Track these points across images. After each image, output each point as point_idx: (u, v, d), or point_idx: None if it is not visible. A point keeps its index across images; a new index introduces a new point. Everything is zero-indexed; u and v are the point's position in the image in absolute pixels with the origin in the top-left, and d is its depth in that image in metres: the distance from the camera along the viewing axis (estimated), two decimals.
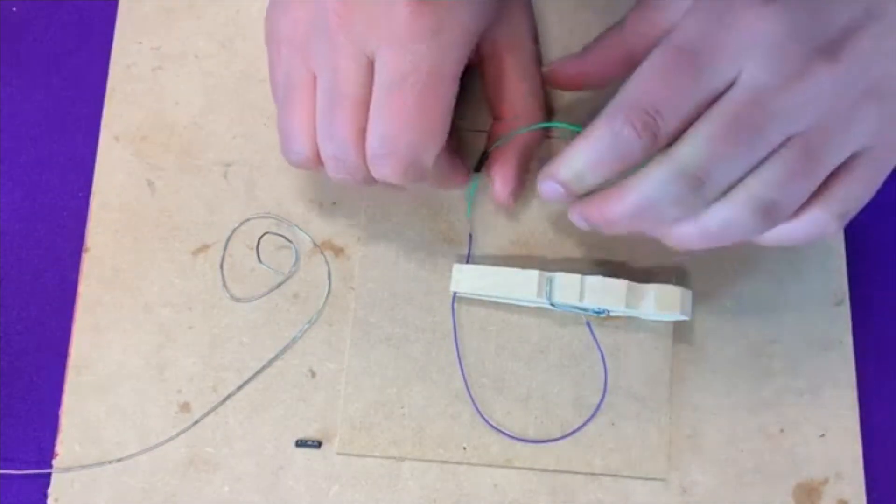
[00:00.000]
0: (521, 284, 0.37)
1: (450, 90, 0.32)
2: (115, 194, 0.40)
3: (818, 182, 0.31)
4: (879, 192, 0.43)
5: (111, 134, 0.41)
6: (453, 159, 0.37)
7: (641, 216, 0.31)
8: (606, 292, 0.36)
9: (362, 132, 0.32)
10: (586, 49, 0.36)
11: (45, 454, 0.37)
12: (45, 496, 0.37)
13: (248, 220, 0.40)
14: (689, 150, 0.30)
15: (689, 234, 0.32)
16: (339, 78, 0.32)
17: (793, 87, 0.29)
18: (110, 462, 0.37)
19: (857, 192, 0.31)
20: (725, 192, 0.31)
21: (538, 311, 0.39)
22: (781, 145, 0.30)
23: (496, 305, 0.39)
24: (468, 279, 0.38)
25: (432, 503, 0.37)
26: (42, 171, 0.41)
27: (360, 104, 0.32)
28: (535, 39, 0.38)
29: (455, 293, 0.38)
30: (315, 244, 0.40)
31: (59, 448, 0.37)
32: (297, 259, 0.40)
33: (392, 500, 0.37)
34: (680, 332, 0.39)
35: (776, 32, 0.29)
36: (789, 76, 0.29)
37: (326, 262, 0.40)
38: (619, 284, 0.36)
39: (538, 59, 0.38)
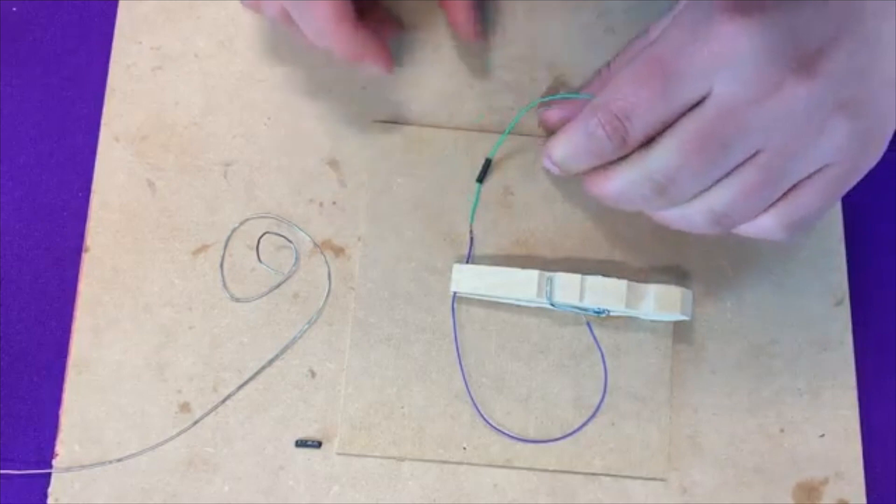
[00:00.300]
0: (521, 284, 0.37)
1: None
2: (115, 194, 0.40)
3: (775, 197, 0.32)
4: (879, 193, 0.43)
5: (111, 134, 0.41)
6: (373, 27, 0.37)
7: (617, 202, 0.34)
8: (606, 292, 0.36)
9: None
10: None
11: (45, 454, 0.37)
12: (46, 496, 0.37)
13: (248, 220, 0.40)
14: (658, 157, 0.31)
15: (660, 215, 0.34)
16: None
17: (765, 103, 0.29)
18: (110, 462, 0.37)
19: (813, 205, 0.32)
20: (691, 199, 0.32)
21: (538, 311, 0.39)
22: (747, 159, 0.30)
23: (496, 305, 0.39)
24: (468, 279, 0.38)
25: (432, 503, 0.37)
26: (42, 171, 0.41)
27: None
28: None
29: (455, 293, 0.38)
30: (315, 244, 0.40)
31: (59, 448, 0.37)
32: (297, 259, 0.40)
33: (392, 500, 0.37)
34: (680, 332, 0.39)
35: (751, 48, 0.29)
36: (762, 92, 0.29)
37: (326, 262, 0.40)
38: (619, 284, 0.36)
39: None
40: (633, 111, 0.31)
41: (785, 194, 0.32)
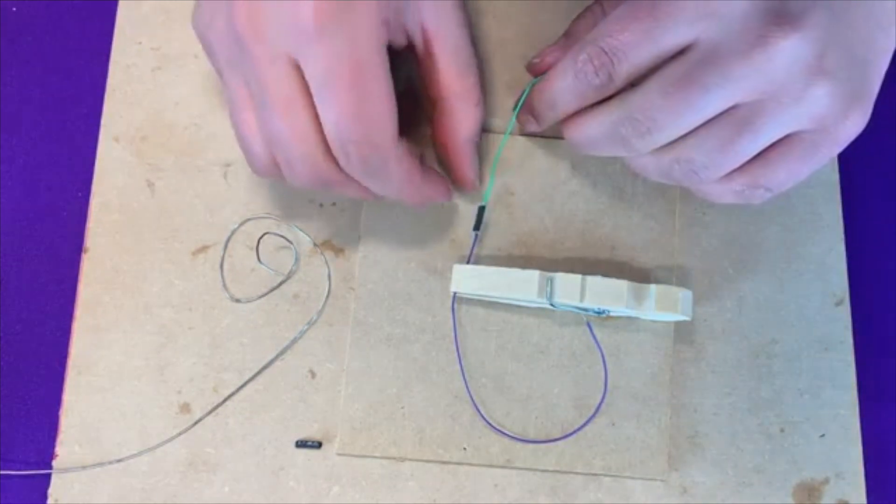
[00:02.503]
0: (521, 284, 0.37)
1: (379, 73, 0.32)
2: (115, 194, 0.40)
3: (751, 153, 0.32)
4: (880, 193, 0.43)
5: (111, 134, 0.41)
6: (427, 169, 0.37)
7: (597, 144, 0.34)
8: (607, 292, 0.36)
9: (304, 130, 0.32)
10: (564, 36, 0.38)
11: (45, 454, 0.37)
12: (45, 496, 0.37)
13: (248, 220, 0.40)
14: (641, 97, 0.31)
15: (639, 164, 0.34)
16: (264, 85, 0.32)
17: (748, 54, 0.30)
18: (110, 462, 0.37)
19: (787, 172, 0.32)
20: (668, 144, 0.32)
21: (538, 311, 0.39)
22: (726, 111, 0.31)
23: (496, 305, 0.39)
24: (468, 279, 0.38)
25: (432, 503, 0.37)
26: (42, 171, 0.41)
27: (293, 103, 0.32)
28: (465, 21, 0.36)
29: (455, 293, 0.38)
30: (315, 245, 0.40)
31: (59, 448, 0.37)
32: (297, 259, 0.40)
33: (392, 501, 0.37)
34: (680, 332, 0.39)
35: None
36: (746, 43, 0.30)
37: (326, 262, 0.40)
38: (620, 284, 0.36)
39: (469, 41, 0.37)
40: (619, 47, 0.31)
41: (759, 158, 0.32)
